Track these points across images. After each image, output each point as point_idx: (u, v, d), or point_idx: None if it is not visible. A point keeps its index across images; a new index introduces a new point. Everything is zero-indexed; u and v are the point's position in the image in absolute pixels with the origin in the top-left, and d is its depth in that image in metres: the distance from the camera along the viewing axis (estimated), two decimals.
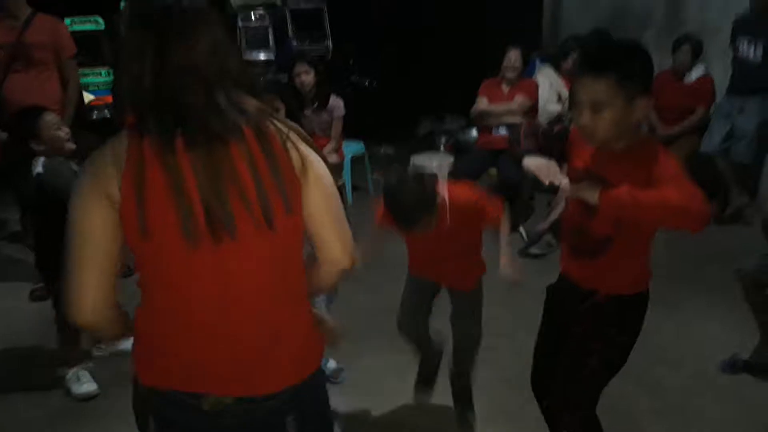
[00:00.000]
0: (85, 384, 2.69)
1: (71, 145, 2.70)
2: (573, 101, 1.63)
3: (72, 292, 1.12)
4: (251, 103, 1.15)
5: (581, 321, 1.76)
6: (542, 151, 1.78)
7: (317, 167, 1.19)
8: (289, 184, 1.14)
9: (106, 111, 6.86)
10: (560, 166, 1.73)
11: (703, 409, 2.57)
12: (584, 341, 1.75)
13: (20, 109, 2.93)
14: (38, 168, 2.57)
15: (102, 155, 1.11)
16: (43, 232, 2.67)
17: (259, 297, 1.17)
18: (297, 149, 1.16)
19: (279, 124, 1.17)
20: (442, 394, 2.59)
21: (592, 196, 1.56)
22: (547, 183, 1.69)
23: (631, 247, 1.68)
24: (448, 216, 2.06)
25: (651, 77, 1.59)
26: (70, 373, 2.71)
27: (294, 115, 2.51)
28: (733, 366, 2.79)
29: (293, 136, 1.17)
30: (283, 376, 1.21)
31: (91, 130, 3.83)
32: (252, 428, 1.23)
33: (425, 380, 2.57)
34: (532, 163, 1.76)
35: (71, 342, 2.71)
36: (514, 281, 2.13)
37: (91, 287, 1.12)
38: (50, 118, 2.67)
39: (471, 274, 2.34)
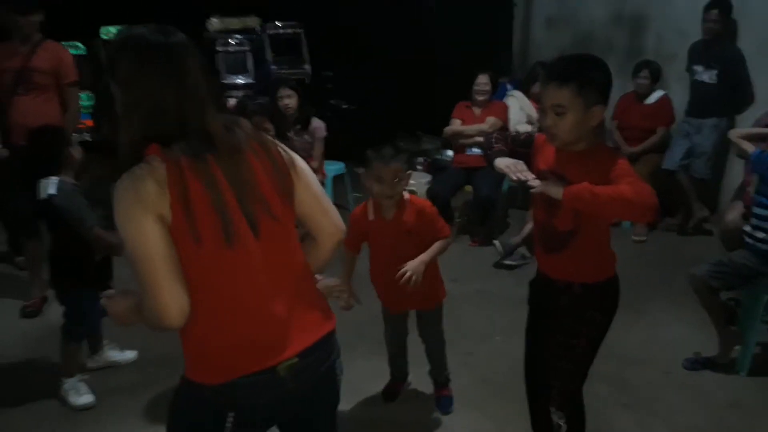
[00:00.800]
0: (83, 395, 2.75)
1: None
2: (541, 106, 1.86)
3: (162, 305, 1.23)
4: (243, 121, 1.39)
5: (565, 310, 1.96)
6: (511, 154, 2.00)
7: (299, 161, 1.44)
8: (288, 181, 1.38)
9: (85, 134, 6.91)
10: (527, 168, 1.94)
11: (670, 402, 2.77)
12: (571, 327, 1.95)
13: (44, 127, 3.02)
14: (50, 189, 2.58)
15: (143, 183, 1.21)
16: (56, 251, 2.73)
17: (283, 273, 1.38)
18: (286, 152, 1.42)
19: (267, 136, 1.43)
20: (418, 396, 2.81)
21: (557, 192, 1.77)
22: (515, 178, 1.90)
23: (592, 237, 1.89)
24: (408, 213, 2.43)
25: (608, 89, 1.81)
26: (68, 384, 2.77)
27: (282, 136, 2.66)
28: (695, 363, 3.00)
29: (278, 142, 1.43)
30: (318, 327, 1.45)
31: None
32: (319, 378, 1.44)
33: (393, 388, 2.86)
34: (502, 162, 1.97)
35: (72, 354, 2.80)
36: (410, 277, 2.36)
37: (179, 295, 1.24)
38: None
39: (433, 296, 2.64)
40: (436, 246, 2.46)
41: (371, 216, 2.50)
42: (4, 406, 2.80)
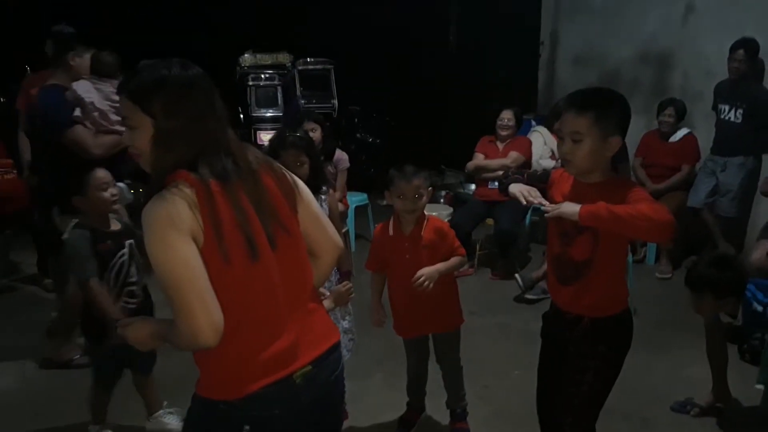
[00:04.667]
0: None
1: (115, 207, 2.58)
2: (559, 134, 1.90)
3: (199, 325, 1.25)
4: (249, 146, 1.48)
5: (575, 343, 1.95)
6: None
7: (300, 182, 1.53)
8: (293, 198, 1.47)
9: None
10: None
11: None
12: (579, 360, 1.94)
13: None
14: (66, 233, 2.50)
15: (176, 207, 1.25)
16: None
17: (295, 285, 1.45)
18: (289, 174, 1.51)
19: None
20: (433, 428, 2.76)
21: (573, 212, 1.78)
22: (524, 203, 1.93)
23: (607, 269, 1.89)
24: (427, 230, 2.52)
25: (626, 122, 1.84)
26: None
27: (317, 168, 2.63)
28: (683, 407, 2.93)
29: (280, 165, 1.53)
30: (327, 337, 1.52)
31: None
32: (330, 385, 1.51)
33: (410, 418, 2.85)
34: (515, 188, 2.01)
35: (100, 397, 2.66)
36: (423, 282, 2.42)
37: (216, 313, 1.27)
38: (101, 175, 2.54)
39: (451, 319, 2.68)
40: (452, 260, 2.54)
41: (391, 232, 2.58)
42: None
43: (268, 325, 1.39)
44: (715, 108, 4.80)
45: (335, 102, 8.12)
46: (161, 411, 2.77)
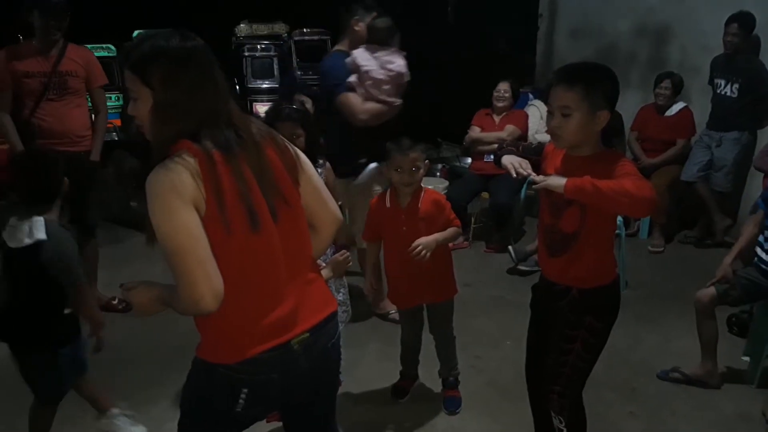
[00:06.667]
0: None
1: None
2: (549, 108, 1.91)
3: (200, 291, 1.28)
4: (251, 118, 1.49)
5: (563, 314, 1.99)
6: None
7: (303, 155, 1.55)
8: (295, 171, 1.49)
9: (114, 134, 7.12)
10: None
11: (678, 412, 2.77)
12: (567, 330, 1.99)
13: (32, 150, 2.87)
14: (40, 234, 2.10)
15: (179, 176, 1.27)
16: (20, 303, 2.19)
17: (296, 255, 1.49)
18: (292, 146, 1.52)
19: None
20: (426, 397, 2.82)
21: (559, 184, 1.81)
22: (515, 175, 1.95)
23: (595, 241, 1.92)
24: (424, 202, 2.56)
25: (614, 96, 1.85)
26: None
27: (314, 142, 2.62)
28: (668, 374, 3.01)
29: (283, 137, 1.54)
30: (324, 305, 1.56)
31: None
32: (327, 353, 1.55)
33: (403, 386, 2.91)
34: (507, 159, 2.03)
35: (44, 417, 2.36)
36: (420, 251, 2.45)
37: (216, 280, 1.30)
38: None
39: (445, 289, 2.72)
40: (449, 231, 2.57)
41: (388, 204, 2.61)
42: None
43: (268, 293, 1.42)
44: (711, 83, 4.80)
45: None
46: (116, 411, 2.48)
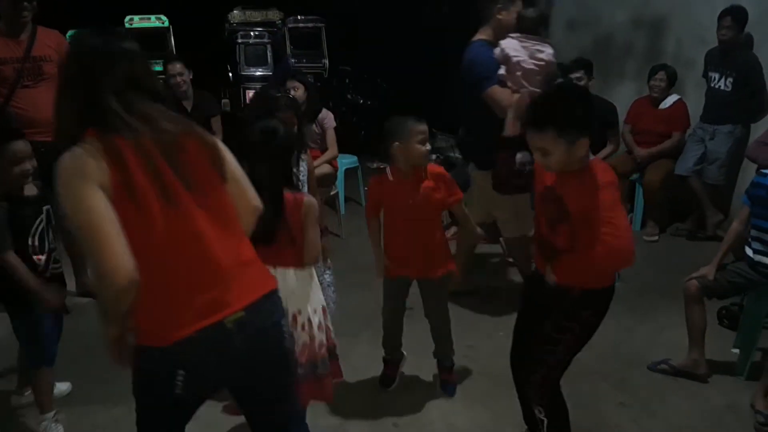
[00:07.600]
0: None
1: (26, 183, 2.37)
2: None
3: (113, 267, 1.29)
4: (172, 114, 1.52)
5: (558, 307, 2.01)
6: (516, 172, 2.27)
7: (223, 146, 1.57)
8: (216, 153, 1.52)
9: None
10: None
11: (668, 403, 2.79)
12: (561, 322, 2.00)
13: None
14: None
15: (81, 158, 1.33)
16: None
17: (226, 237, 1.49)
18: (212, 138, 1.55)
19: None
20: (417, 384, 2.82)
21: (551, 278, 1.98)
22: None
23: (592, 250, 1.88)
24: (427, 174, 2.58)
25: (588, 121, 1.86)
26: (45, 422, 2.52)
27: (302, 129, 2.67)
28: (657, 365, 3.03)
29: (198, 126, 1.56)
30: (261, 285, 1.55)
31: None
32: (265, 335, 1.53)
33: (388, 373, 2.90)
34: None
35: (46, 379, 2.53)
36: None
37: (125, 252, 1.30)
38: (21, 147, 2.34)
39: (439, 262, 2.70)
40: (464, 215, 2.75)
41: (391, 178, 2.62)
42: None
43: (198, 272, 1.43)
44: (705, 76, 4.81)
45: (326, 62, 8.01)
46: (50, 415, 2.53)
